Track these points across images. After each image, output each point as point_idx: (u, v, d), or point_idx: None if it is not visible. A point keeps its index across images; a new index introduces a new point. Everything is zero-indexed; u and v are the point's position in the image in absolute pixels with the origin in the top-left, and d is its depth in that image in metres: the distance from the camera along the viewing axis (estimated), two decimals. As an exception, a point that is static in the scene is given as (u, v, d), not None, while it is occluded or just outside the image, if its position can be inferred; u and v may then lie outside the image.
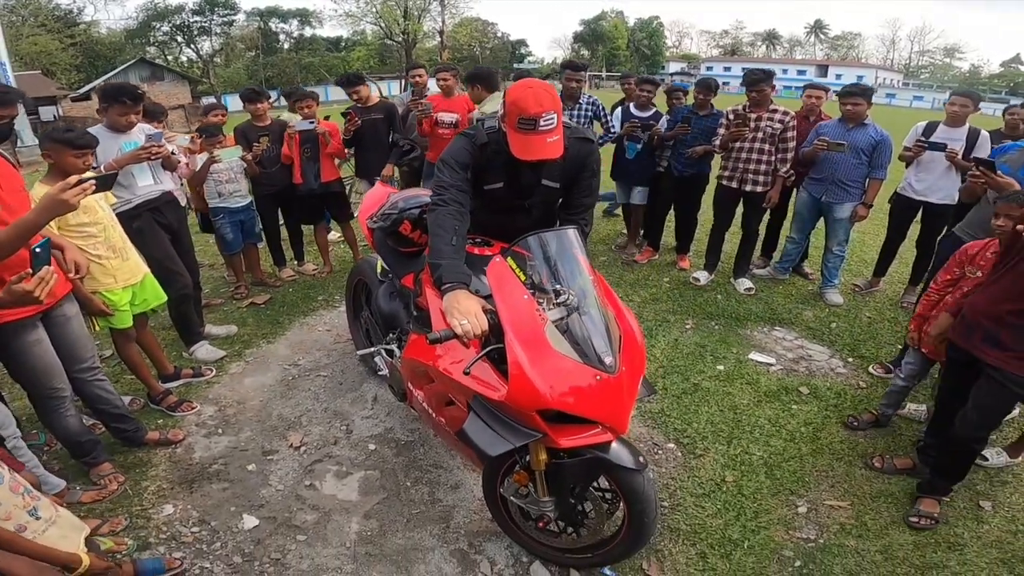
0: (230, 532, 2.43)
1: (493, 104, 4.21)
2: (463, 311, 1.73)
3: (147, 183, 3.33)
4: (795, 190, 4.79)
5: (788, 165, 4.39)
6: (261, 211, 4.70)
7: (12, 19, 34.84)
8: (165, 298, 3.21)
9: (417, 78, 5.43)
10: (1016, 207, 2.43)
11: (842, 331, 4.20)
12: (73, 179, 1.90)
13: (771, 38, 79.36)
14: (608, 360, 1.77)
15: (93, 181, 1.97)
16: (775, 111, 4.31)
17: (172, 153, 3.52)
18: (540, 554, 2.29)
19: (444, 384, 2.06)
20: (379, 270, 3.06)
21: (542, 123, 1.90)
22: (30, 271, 1.70)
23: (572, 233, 1.97)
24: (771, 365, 3.76)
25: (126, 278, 2.91)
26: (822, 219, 4.64)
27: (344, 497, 2.63)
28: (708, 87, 4.79)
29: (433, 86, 5.31)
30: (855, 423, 3.14)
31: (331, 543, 2.39)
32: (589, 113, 4.91)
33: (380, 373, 3.10)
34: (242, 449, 2.93)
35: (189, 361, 3.70)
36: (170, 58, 46.91)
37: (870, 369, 3.70)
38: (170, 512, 2.51)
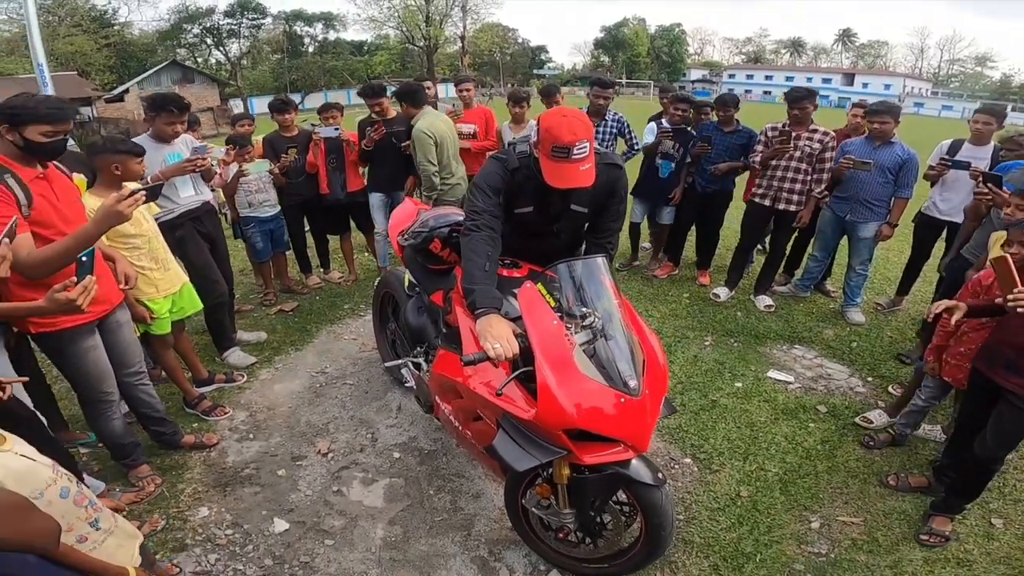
0: (262, 535, 2.53)
1: (425, 120, 4.28)
2: (496, 335, 1.82)
3: (189, 193, 3.48)
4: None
5: (823, 186, 4.38)
6: (288, 220, 4.81)
7: (49, 19, 35.51)
8: (201, 306, 3.34)
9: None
10: None
11: (863, 350, 4.20)
12: (126, 191, 1.99)
13: (796, 46, 78.18)
14: (632, 383, 1.85)
15: (143, 192, 2.04)
16: (815, 131, 4.28)
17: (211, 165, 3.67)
18: (558, 563, 2.36)
19: (473, 401, 2.14)
20: (407, 284, 3.13)
21: (575, 152, 1.95)
22: (74, 279, 1.72)
23: (601, 261, 2.05)
24: (789, 383, 3.78)
25: (167, 288, 3.05)
26: (845, 237, 4.62)
27: (370, 503, 2.73)
28: (727, 103, 4.78)
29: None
30: (872, 442, 3.16)
31: (357, 548, 2.48)
32: (614, 130, 4.96)
33: (407, 385, 3.18)
34: (272, 454, 3.05)
35: (221, 366, 3.83)
36: (199, 60, 47.70)
37: (890, 389, 3.70)
38: (205, 514, 2.63)
